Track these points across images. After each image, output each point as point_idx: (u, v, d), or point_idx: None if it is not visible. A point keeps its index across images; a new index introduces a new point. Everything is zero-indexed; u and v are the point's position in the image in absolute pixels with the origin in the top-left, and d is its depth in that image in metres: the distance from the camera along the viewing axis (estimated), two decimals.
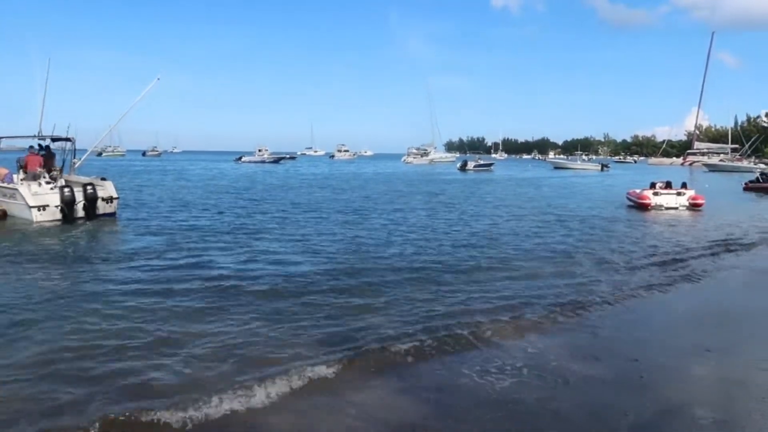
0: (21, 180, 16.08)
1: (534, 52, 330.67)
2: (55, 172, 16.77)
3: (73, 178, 17.07)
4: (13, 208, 15.90)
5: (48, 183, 15.96)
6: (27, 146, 17.26)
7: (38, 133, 17.11)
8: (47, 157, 17.12)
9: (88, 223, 15.49)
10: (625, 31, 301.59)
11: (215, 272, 9.46)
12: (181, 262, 10.31)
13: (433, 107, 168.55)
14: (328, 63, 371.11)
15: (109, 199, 16.47)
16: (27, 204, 15.26)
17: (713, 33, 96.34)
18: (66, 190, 15.62)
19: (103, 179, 16.93)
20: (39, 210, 15.23)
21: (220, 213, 18.21)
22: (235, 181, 37.93)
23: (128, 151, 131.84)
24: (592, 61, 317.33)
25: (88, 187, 16.07)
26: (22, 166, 16.46)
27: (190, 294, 8.07)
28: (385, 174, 52.63)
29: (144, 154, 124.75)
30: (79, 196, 15.84)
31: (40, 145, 17.28)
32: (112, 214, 16.48)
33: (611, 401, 4.99)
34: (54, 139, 17.32)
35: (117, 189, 17.04)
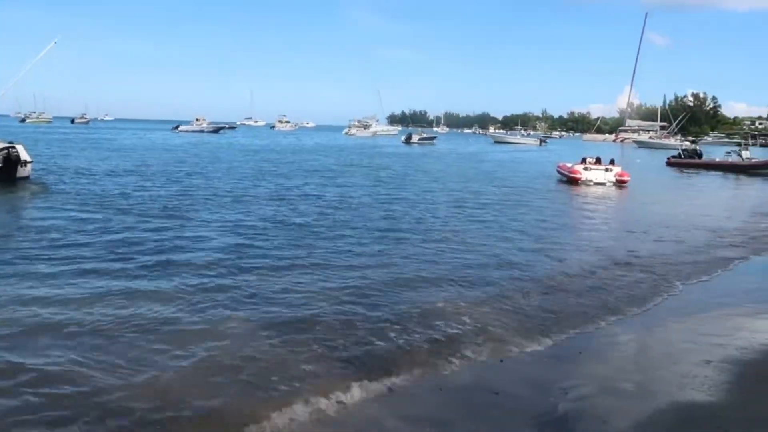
0: None
1: (476, 28, 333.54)
2: None
3: None
4: None
5: None
6: None
7: None
8: None
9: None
10: (566, 8, 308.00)
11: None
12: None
13: (376, 79, 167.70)
14: (269, 30, 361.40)
15: (23, 163, 16.16)
16: None
17: (646, 13, 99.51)
18: None
19: (11, 143, 16.40)
20: None
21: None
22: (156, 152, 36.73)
23: (55, 117, 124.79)
24: (532, 38, 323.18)
25: (12, 150, 15.79)
26: None
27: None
28: (327, 146, 52.20)
29: (72, 121, 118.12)
30: None
31: None
32: (27, 178, 16.35)
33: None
34: None
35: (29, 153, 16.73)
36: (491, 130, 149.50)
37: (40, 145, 34.62)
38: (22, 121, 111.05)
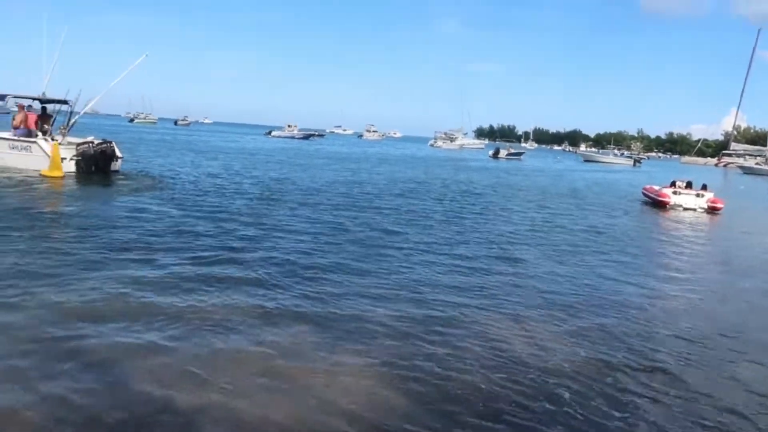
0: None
1: (570, 42, 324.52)
2: (47, 127, 18.30)
3: (70, 138, 18.21)
4: (28, 161, 17.14)
5: (53, 139, 17.41)
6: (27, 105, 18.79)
7: (42, 93, 18.72)
8: (42, 116, 18.67)
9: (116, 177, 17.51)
10: (668, 23, 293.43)
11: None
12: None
13: (464, 92, 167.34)
14: (360, 41, 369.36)
15: (116, 158, 18.25)
16: (47, 155, 16.66)
17: (759, 30, 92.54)
18: (85, 145, 17.24)
19: (107, 141, 18.27)
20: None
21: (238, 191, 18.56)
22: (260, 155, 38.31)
23: (160, 119, 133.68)
24: (629, 53, 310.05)
25: (108, 146, 17.81)
26: (15, 123, 18.01)
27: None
28: (413, 157, 52.54)
29: (176, 123, 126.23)
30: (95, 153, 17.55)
31: (44, 107, 18.93)
32: (118, 171, 18.27)
33: None
34: (50, 101, 18.89)
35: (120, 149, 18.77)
36: (582, 147, 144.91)
37: (141, 143, 37.06)
38: (131, 121, 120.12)
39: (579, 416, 4.50)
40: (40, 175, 16.12)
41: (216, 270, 7.86)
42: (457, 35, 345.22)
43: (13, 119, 18.24)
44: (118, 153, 18.26)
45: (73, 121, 18.71)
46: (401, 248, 10.30)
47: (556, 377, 5.16)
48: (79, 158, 17.11)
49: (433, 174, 31.27)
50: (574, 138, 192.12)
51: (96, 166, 17.23)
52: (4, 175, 15.89)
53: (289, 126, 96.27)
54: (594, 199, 23.68)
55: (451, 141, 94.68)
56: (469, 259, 9.84)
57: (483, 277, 8.69)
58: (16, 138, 17.66)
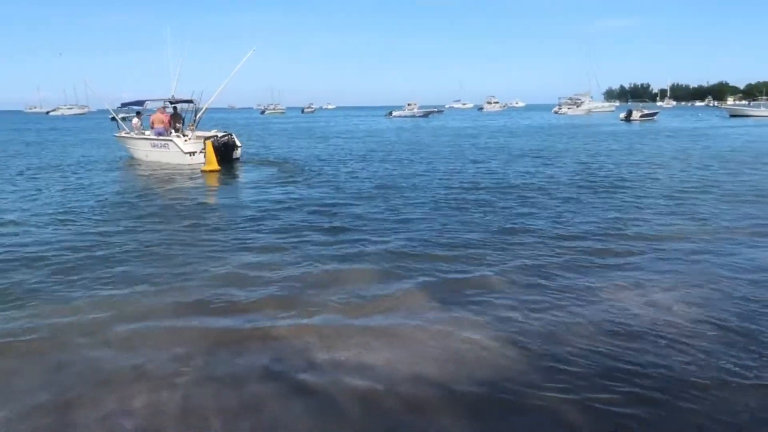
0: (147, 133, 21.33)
1: None
2: (178, 125, 21.02)
3: (198, 132, 20.77)
4: (168, 157, 20.05)
5: (185, 135, 20.11)
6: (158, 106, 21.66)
7: (172, 96, 21.58)
8: (174, 116, 21.42)
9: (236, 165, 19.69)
10: None
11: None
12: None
13: (590, 52, 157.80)
14: (476, 10, 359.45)
15: (236, 147, 20.44)
16: (181, 151, 19.46)
17: None
18: (212, 139, 19.36)
19: (229, 133, 20.60)
20: (190, 155, 19.38)
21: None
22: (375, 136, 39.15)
23: (288, 108, 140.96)
24: None
25: (230, 137, 20.06)
26: (151, 123, 21.10)
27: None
28: (538, 127, 50.87)
29: (302, 111, 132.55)
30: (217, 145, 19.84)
31: (175, 108, 21.69)
32: (238, 159, 20.41)
33: None
34: (178, 101, 21.57)
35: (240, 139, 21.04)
36: (729, 101, 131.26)
37: (268, 132, 39.38)
38: (262, 112, 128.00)
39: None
40: (201, 171, 18.15)
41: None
42: None
43: (150, 121, 21.26)
44: (237, 143, 20.46)
45: (198, 117, 21.25)
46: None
47: None
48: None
49: (566, 145, 30.00)
50: (719, 91, 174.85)
51: (221, 155, 19.06)
52: (171, 172, 18.30)
53: (408, 105, 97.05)
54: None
55: (577, 106, 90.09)
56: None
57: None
58: (156, 138, 20.70)
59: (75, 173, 18.66)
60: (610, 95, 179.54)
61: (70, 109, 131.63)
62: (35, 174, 18.53)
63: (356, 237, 8.98)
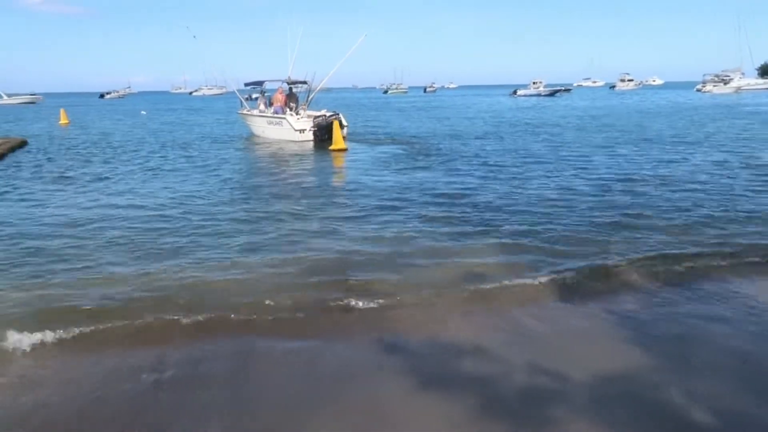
0: (265, 111, 23.43)
1: None
2: (293, 104, 22.65)
3: (309, 112, 22.48)
4: (280, 133, 21.67)
5: (298, 114, 21.76)
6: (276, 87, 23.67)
7: (288, 77, 23.31)
8: (290, 95, 23.18)
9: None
10: None
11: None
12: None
13: (742, 23, 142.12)
14: None
15: (343, 126, 21.15)
16: (293, 128, 20.91)
17: None
18: (320, 118, 20.93)
19: (336, 112, 21.79)
20: (300, 133, 20.91)
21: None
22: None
23: (411, 87, 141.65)
24: None
25: (338, 117, 21.06)
26: (271, 102, 23.22)
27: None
28: (677, 107, 46.69)
29: (425, 90, 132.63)
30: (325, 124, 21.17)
31: (290, 88, 23.43)
32: (345, 137, 20.75)
33: None
34: (294, 83, 23.41)
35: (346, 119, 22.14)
36: None
37: (386, 110, 39.97)
38: (385, 92, 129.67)
39: None
40: (329, 149, 19.27)
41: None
42: None
43: (272, 99, 23.17)
44: (344, 122, 21.31)
45: (310, 97, 22.96)
46: None
47: None
48: (315, 128, 20.91)
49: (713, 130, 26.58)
50: None
51: (328, 134, 19.99)
52: (300, 149, 20.03)
53: (534, 83, 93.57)
54: None
55: (725, 84, 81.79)
56: None
57: None
58: (271, 115, 22.62)
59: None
60: (765, 71, 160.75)
61: (210, 89, 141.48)
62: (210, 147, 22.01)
63: (490, 227, 8.93)
